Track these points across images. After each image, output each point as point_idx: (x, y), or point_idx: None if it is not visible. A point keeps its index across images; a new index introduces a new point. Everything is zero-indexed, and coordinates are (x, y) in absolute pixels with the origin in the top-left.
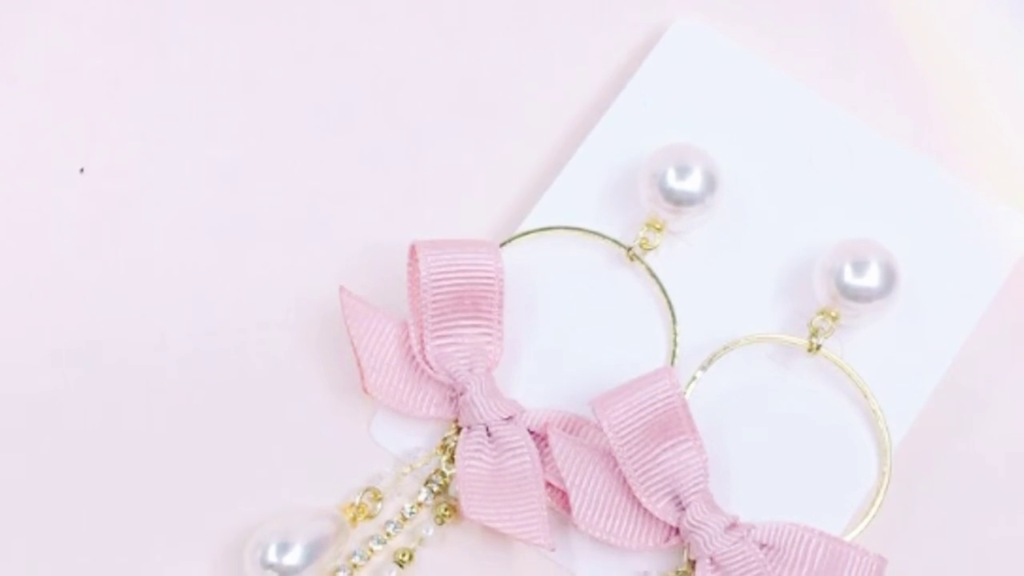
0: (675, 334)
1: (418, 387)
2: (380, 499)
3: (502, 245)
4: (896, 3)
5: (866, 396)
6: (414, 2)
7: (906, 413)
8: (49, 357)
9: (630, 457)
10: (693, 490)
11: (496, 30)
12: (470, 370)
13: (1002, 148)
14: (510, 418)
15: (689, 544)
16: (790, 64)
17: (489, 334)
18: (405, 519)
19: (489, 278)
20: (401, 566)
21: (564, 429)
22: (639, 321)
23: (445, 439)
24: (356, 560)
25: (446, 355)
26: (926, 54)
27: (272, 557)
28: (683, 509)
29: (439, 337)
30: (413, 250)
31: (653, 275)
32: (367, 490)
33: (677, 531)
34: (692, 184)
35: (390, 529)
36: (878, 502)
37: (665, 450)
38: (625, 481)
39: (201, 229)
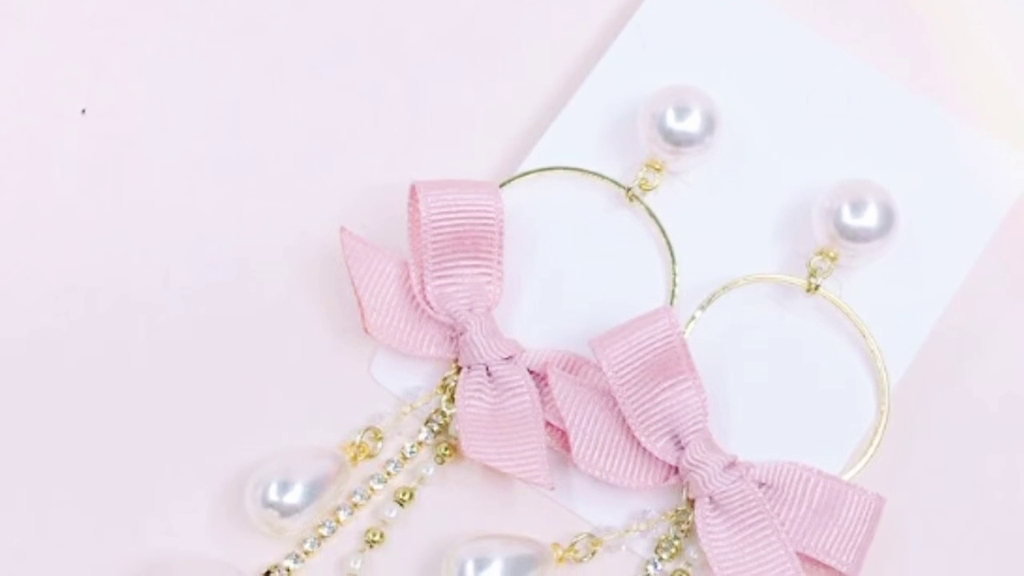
0: (674, 274)
1: (418, 327)
2: (380, 438)
3: (502, 185)
4: None
5: (864, 336)
6: None
7: (904, 352)
8: (51, 296)
9: (629, 397)
10: (692, 429)
11: None
12: (470, 310)
13: (1000, 88)
14: (510, 358)
15: (688, 483)
16: (789, 5)
17: (489, 274)
18: (405, 458)
19: (489, 218)
20: (401, 505)
21: (564, 369)
22: (638, 261)
23: (445, 379)
24: (356, 499)
25: (446, 295)
26: None
27: (273, 496)
28: (682, 448)
29: (439, 277)
30: (413, 190)
31: (652, 215)
32: (367, 429)
33: (676, 470)
34: (691, 125)
35: (390, 468)
36: (876, 441)
37: (664, 389)
38: (624, 420)
39: (202, 170)
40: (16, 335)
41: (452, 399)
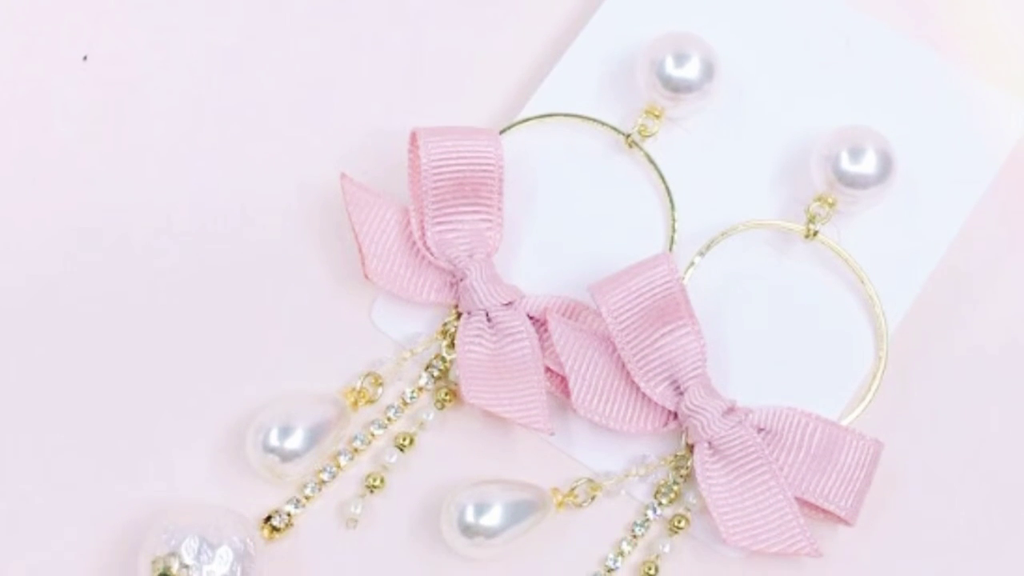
0: (673, 220)
1: (419, 273)
2: (381, 384)
3: (502, 132)
4: None
5: (863, 281)
6: None
7: (902, 298)
8: (53, 241)
9: (629, 342)
10: (691, 375)
11: None
12: (470, 256)
13: (999, 35)
14: (510, 304)
15: (687, 428)
16: None
17: (489, 220)
18: (406, 404)
19: (489, 165)
20: (402, 450)
21: (563, 314)
22: (637, 207)
23: (445, 324)
24: (357, 444)
25: (446, 241)
26: None
27: (274, 441)
28: (681, 394)
29: (439, 223)
30: (414, 137)
31: (652, 162)
32: (368, 375)
33: (675, 415)
34: (690, 71)
35: (391, 414)
36: (874, 387)
37: (663, 335)
38: (624, 366)
39: (203, 115)
40: (17, 279)
41: (452, 345)
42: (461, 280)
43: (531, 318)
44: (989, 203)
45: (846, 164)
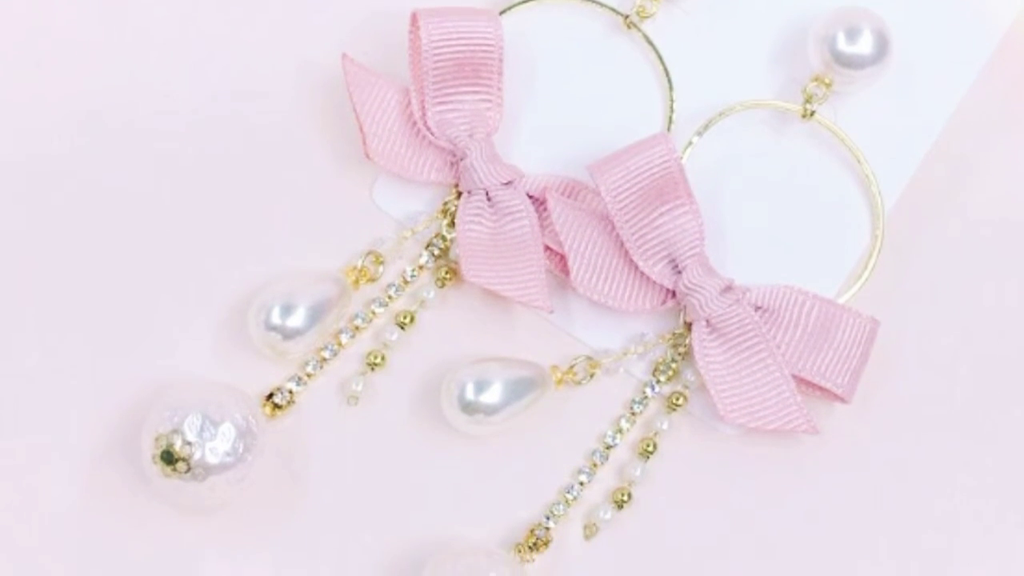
0: (672, 100)
1: (419, 152)
2: (382, 262)
3: (501, 13)
4: None
5: (859, 161)
6: None
7: (898, 177)
8: (56, 124)
9: (627, 221)
10: (689, 253)
11: None
12: (470, 135)
13: None
14: (509, 183)
15: (685, 307)
16: None
17: (489, 100)
18: (406, 282)
19: (489, 45)
20: (403, 328)
21: (562, 194)
22: (636, 88)
23: (446, 203)
24: (358, 322)
25: (447, 121)
26: None
27: (276, 319)
28: (679, 272)
29: (440, 103)
30: (414, 18)
31: (650, 42)
32: (369, 253)
33: (673, 294)
34: None
35: (392, 292)
36: (870, 265)
37: (662, 214)
38: (622, 245)
39: None
40: (21, 162)
41: (452, 223)
42: (461, 159)
43: (531, 197)
44: (984, 83)
45: (843, 44)
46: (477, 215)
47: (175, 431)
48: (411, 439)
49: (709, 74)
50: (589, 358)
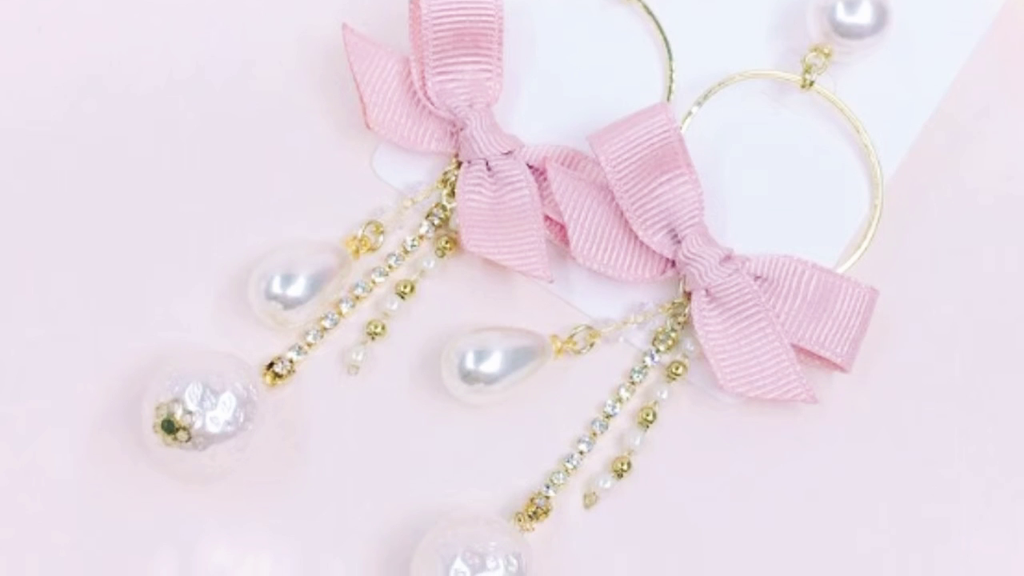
0: (671, 70)
1: (419, 122)
2: (382, 232)
3: None
4: None
5: (858, 131)
6: None
7: (897, 147)
8: (57, 90)
9: (627, 191)
10: (689, 223)
11: None
12: (470, 105)
13: None
14: (509, 153)
15: (685, 276)
16: None
17: (489, 70)
18: (407, 251)
19: (489, 15)
20: (403, 297)
21: (562, 164)
22: (636, 58)
23: (446, 173)
24: (359, 292)
25: (447, 91)
26: None
27: (276, 289)
28: (679, 242)
29: (440, 73)
30: None
31: (650, 12)
32: (369, 223)
33: (673, 263)
34: None
35: (392, 261)
36: (870, 235)
37: (661, 184)
38: (622, 215)
39: None
40: (23, 128)
41: (452, 193)
42: (461, 129)
43: (530, 167)
44: (983, 53)
45: (842, 15)
46: (477, 185)
47: (176, 400)
48: (411, 408)
49: (708, 44)
50: (589, 327)
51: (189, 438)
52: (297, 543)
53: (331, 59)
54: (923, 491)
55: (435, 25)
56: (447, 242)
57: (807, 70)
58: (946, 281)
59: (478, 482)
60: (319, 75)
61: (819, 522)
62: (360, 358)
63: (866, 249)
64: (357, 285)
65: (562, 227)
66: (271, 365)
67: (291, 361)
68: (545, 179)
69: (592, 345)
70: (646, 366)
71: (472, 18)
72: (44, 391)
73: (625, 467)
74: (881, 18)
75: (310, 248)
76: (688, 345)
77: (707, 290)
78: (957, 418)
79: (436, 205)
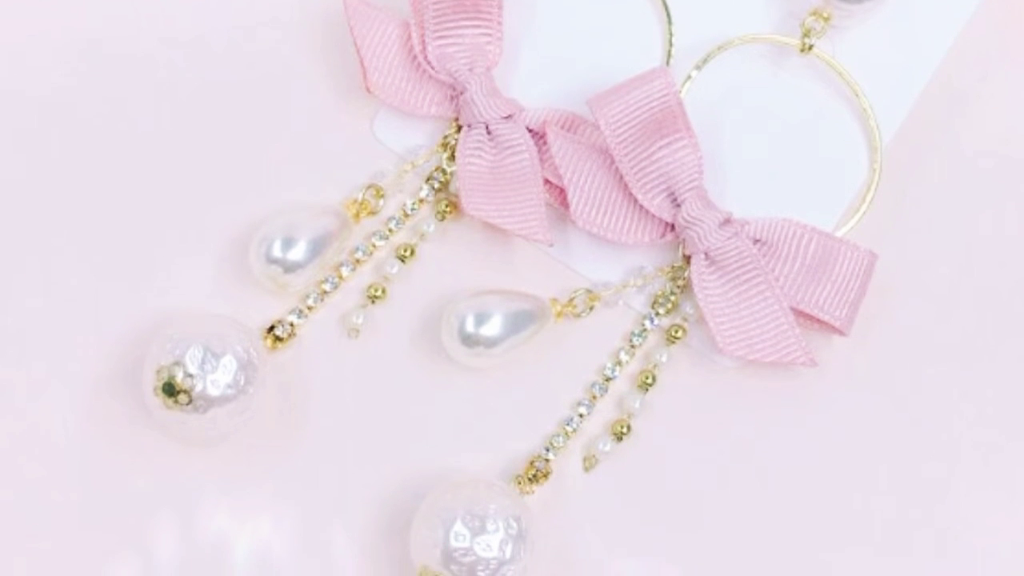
0: (670, 34)
1: (420, 86)
2: (382, 196)
3: None
4: None
5: (857, 95)
6: None
7: (896, 111)
8: (56, 53)
9: (627, 155)
10: (688, 187)
11: None
12: (470, 69)
13: None
14: (509, 116)
15: (684, 240)
16: None
17: (489, 34)
18: (407, 215)
19: None
20: (403, 261)
21: (562, 127)
22: (635, 22)
23: (446, 137)
24: (359, 255)
25: (447, 55)
26: None
27: (277, 252)
28: (678, 205)
29: (440, 37)
30: None
31: None
32: (370, 187)
33: (672, 227)
34: None
35: (392, 225)
36: (868, 198)
37: (661, 147)
38: (622, 178)
39: None
40: (22, 94)
41: (453, 157)
42: (461, 93)
43: (530, 131)
44: (982, 17)
45: None
46: (477, 149)
47: (177, 363)
48: (411, 371)
49: (708, 8)
50: (588, 291)
51: (190, 401)
52: (297, 506)
53: (331, 23)
54: (922, 453)
55: None
56: (447, 206)
57: (806, 34)
58: (945, 244)
59: (478, 445)
60: (319, 39)
61: (818, 484)
62: (360, 321)
63: (865, 212)
64: (357, 249)
65: (562, 191)
66: (272, 328)
67: (292, 324)
68: (545, 143)
69: (592, 308)
70: (645, 329)
71: None
72: (45, 355)
73: (624, 430)
74: None
75: (311, 212)
76: (687, 308)
77: (706, 253)
78: (956, 380)
79: (436, 169)
